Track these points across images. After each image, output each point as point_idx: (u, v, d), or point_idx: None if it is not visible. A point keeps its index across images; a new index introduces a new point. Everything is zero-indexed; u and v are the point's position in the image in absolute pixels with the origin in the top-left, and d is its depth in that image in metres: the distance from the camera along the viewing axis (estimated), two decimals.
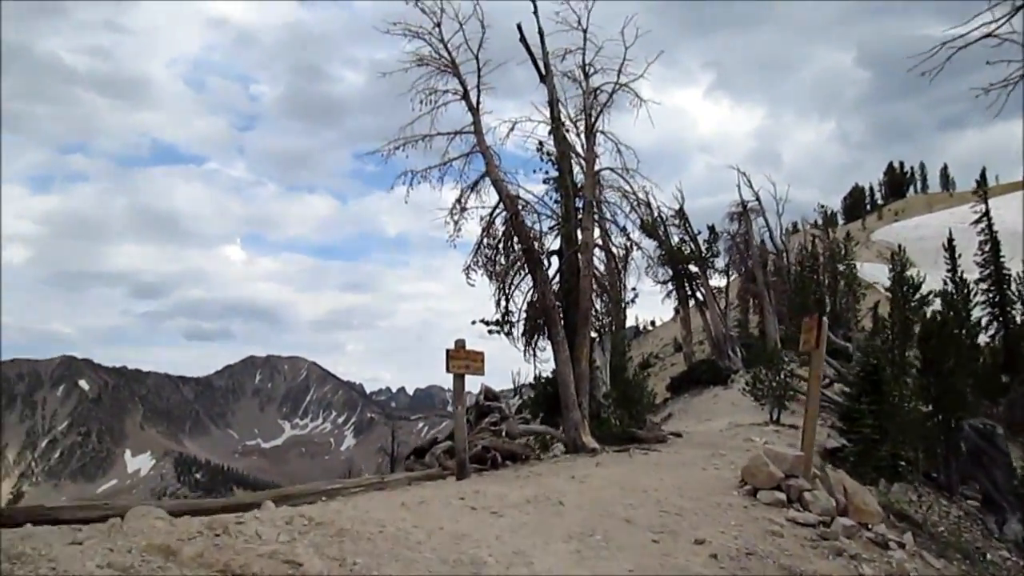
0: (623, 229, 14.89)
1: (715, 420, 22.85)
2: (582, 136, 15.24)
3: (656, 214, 24.19)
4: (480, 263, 13.82)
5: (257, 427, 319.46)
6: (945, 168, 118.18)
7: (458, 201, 13.71)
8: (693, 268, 34.34)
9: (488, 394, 13.16)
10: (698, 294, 34.68)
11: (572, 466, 10.17)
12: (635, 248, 15.26)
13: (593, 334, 14.78)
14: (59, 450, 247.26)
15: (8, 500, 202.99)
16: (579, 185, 14.81)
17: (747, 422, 20.06)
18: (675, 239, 34.05)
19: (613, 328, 17.17)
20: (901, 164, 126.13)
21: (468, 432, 11.45)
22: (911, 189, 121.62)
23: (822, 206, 59.90)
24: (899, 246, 32.44)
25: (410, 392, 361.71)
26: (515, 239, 13.72)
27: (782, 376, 20.40)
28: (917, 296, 22.55)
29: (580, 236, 14.18)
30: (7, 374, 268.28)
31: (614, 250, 15.05)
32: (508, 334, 14.09)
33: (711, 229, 35.59)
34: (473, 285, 13.70)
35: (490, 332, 14.02)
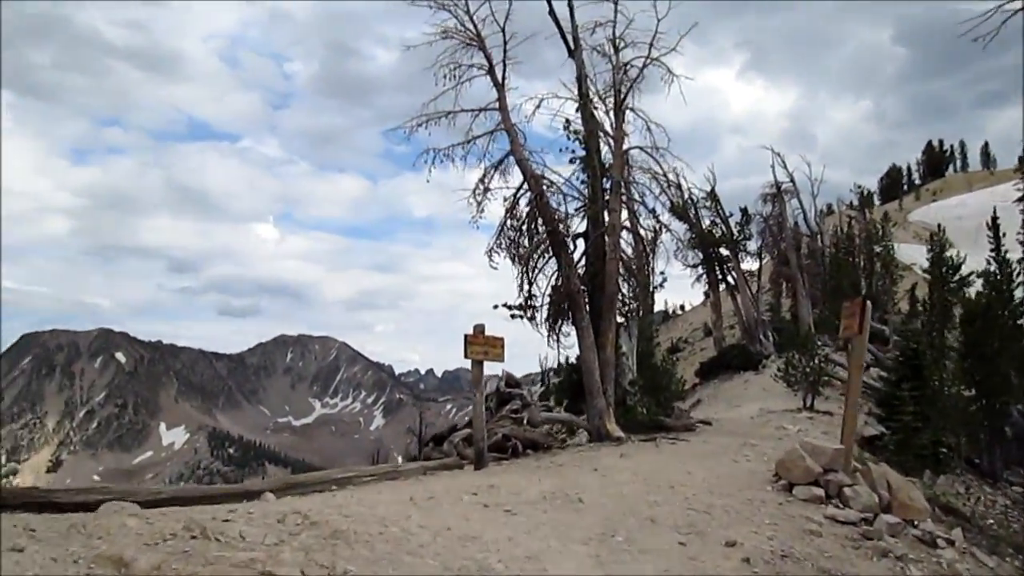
0: (652, 211, 14.40)
1: (746, 406, 22.35)
2: (611, 114, 14.76)
3: (687, 196, 23.56)
4: (503, 245, 13.44)
5: (288, 404, 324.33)
6: (986, 146, 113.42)
7: (481, 181, 13.34)
8: (724, 251, 33.66)
9: (510, 381, 12.84)
10: (729, 278, 34.03)
11: (595, 456, 9.81)
12: (664, 230, 14.74)
13: (620, 319, 14.37)
14: (96, 421, 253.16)
15: (47, 467, 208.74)
16: (607, 165, 14.35)
17: (779, 408, 19.55)
18: (706, 221, 33.36)
19: (640, 313, 16.74)
20: (940, 142, 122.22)
21: (488, 420, 11.17)
22: (950, 168, 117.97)
23: (859, 186, 58.45)
24: (938, 226, 31.49)
25: (438, 374, 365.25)
26: (539, 221, 13.30)
27: (816, 361, 19.81)
28: (957, 277, 21.78)
29: (607, 218, 13.74)
30: (47, 344, 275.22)
31: (642, 232, 14.57)
32: (531, 319, 13.71)
33: (743, 211, 34.82)
34: (496, 268, 13.38)
35: (513, 317, 13.65)
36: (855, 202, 65.80)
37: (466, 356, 9.25)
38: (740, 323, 34.71)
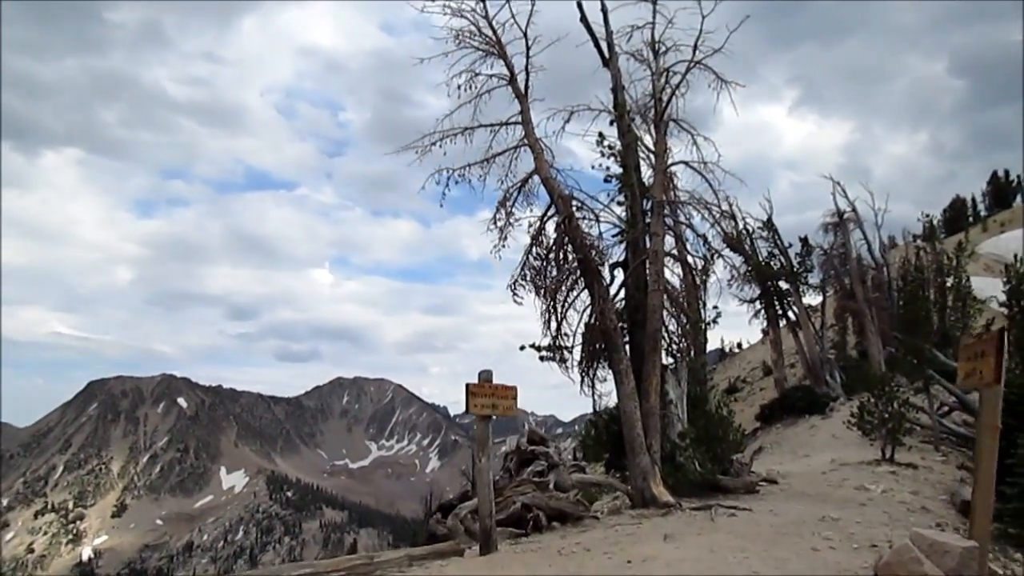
0: (702, 237, 12.42)
1: (814, 456, 19.99)
2: (651, 128, 13.02)
3: (741, 224, 21.50)
4: (528, 277, 11.63)
5: (345, 447, 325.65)
6: None
7: (502, 204, 11.65)
8: (784, 285, 31.31)
9: (533, 436, 10.80)
10: (790, 313, 31.59)
11: (633, 536, 7.83)
12: (716, 256, 12.74)
13: (666, 360, 12.41)
14: (159, 465, 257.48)
15: (112, 512, 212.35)
16: (647, 184, 12.56)
17: (853, 460, 17.18)
18: (763, 253, 31.11)
19: (691, 353, 14.73)
20: (1006, 172, 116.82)
21: (506, 485, 9.32)
22: (1017, 198, 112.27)
23: (926, 215, 55.18)
24: (1015, 256, 28.82)
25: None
26: (569, 247, 11.50)
27: (895, 405, 17.40)
28: None
29: (648, 244, 11.90)
30: (113, 391, 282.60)
31: (691, 260, 12.66)
32: (561, 361, 11.83)
33: (803, 241, 32.40)
34: (520, 303, 11.58)
35: (542, 359, 11.79)
36: (921, 233, 62.43)
37: (468, 410, 7.52)
38: (803, 362, 32.11)
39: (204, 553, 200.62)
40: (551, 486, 9.52)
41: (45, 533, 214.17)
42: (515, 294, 11.57)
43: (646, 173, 13.14)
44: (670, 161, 12.46)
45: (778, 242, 31.31)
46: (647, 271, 11.76)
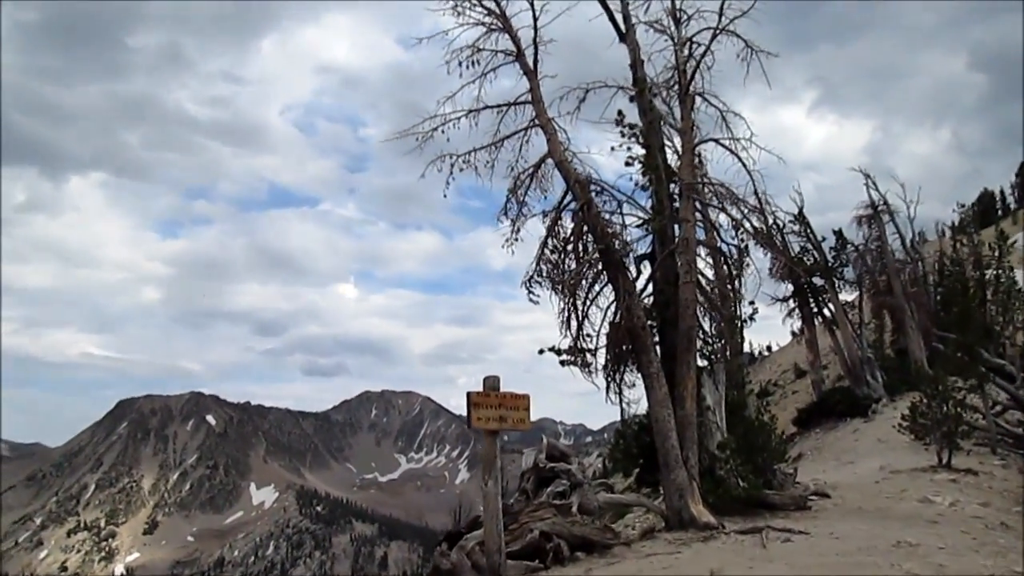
0: (737, 223, 11.03)
1: (860, 463, 18.52)
2: (672, 107, 11.79)
3: (771, 220, 19.97)
4: (544, 272, 10.39)
5: (374, 461, 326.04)
6: None
7: (512, 192, 10.46)
8: (817, 281, 29.74)
9: (552, 452, 9.38)
10: (825, 311, 30.01)
11: (673, 569, 6.58)
12: (751, 241, 11.35)
13: (701, 362, 11.10)
14: (189, 482, 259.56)
15: (144, 529, 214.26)
16: (673, 168, 11.31)
17: (905, 466, 15.74)
18: (794, 248, 29.55)
19: (728, 353, 13.42)
20: None
21: (522, 508, 8.08)
22: None
23: (961, 205, 53.19)
24: None
25: None
26: (589, 237, 10.25)
27: (950, 406, 15.92)
28: None
29: (678, 232, 10.65)
30: (142, 409, 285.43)
31: (724, 248, 11.34)
32: (584, 365, 10.54)
33: (838, 235, 30.81)
34: (536, 301, 10.33)
35: (563, 364, 10.51)
36: (954, 224, 60.46)
37: (470, 425, 6.33)
38: (841, 362, 30.44)
39: (235, 569, 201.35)
40: (574, 509, 8.20)
41: (78, 551, 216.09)
42: (530, 292, 10.34)
43: (671, 159, 11.91)
44: (698, 139, 11.20)
45: (811, 236, 29.76)
46: (677, 262, 10.49)
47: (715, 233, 11.28)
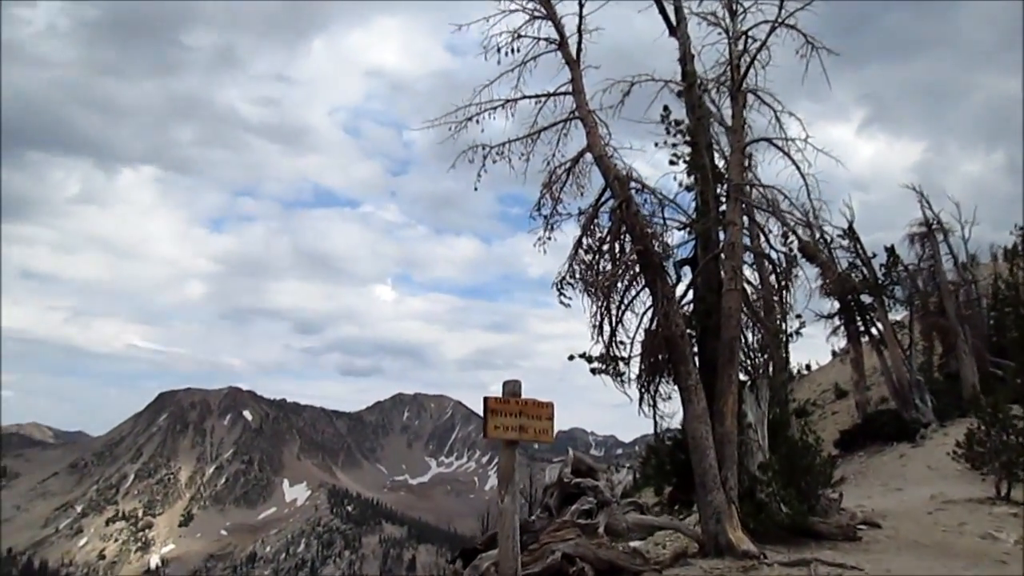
0: (788, 227, 10.24)
1: (909, 489, 17.53)
2: (720, 105, 11.10)
3: (818, 233, 18.99)
4: (577, 274, 9.72)
5: (405, 463, 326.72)
6: None
7: (547, 186, 9.84)
8: (865, 299, 28.56)
9: (579, 466, 8.65)
10: (873, 330, 28.81)
11: None
12: (798, 253, 10.52)
13: (742, 377, 10.34)
14: (224, 476, 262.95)
15: (180, 521, 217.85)
16: (721, 167, 10.61)
17: (959, 496, 14.74)
18: (842, 263, 28.38)
19: (771, 369, 12.61)
20: None
21: (544, 528, 7.44)
22: None
23: (1019, 227, 51.13)
24: None
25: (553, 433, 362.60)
26: (626, 237, 9.57)
27: (1011, 435, 14.86)
28: None
29: (723, 236, 9.92)
30: (182, 402, 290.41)
31: (774, 255, 10.55)
32: (617, 374, 9.85)
33: (890, 251, 29.57)
34: (568, 304, 9.66)
35: (594, 372, 9.84)
36: (1007, 249, 58.35)
37: (486, 435, 5.72)
38: (888, 384, 29.15)
39: (267, 565, 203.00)
40: (600, 530, 7.52)
41: (116, 540, 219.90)
42: (562, 293, 9.66)
43: (718, 161, 11.20)
44: (749, 139, 10.46)
45: (861, 251, 28.57)
46: (721, 268, 9.77)
47: (764, 239, 10.51)
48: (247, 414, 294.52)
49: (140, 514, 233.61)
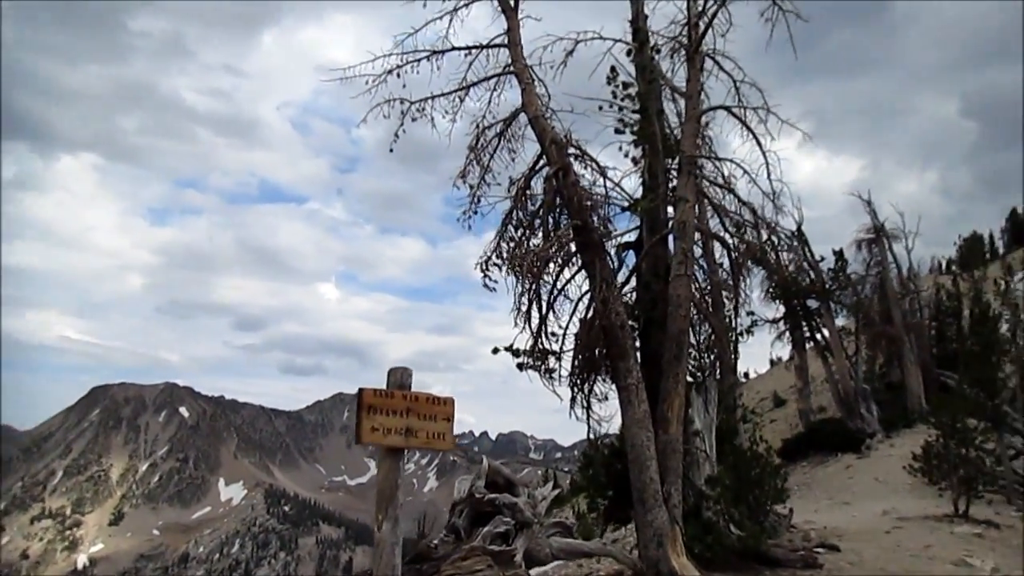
0: (746, 206, 9.02)
1: (859, 504, 16.68)
2: (679, 71, 9.82)
3: (766, 235, 17.93)
4: (504, 253, 8.31)
5: (344, 463, 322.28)
6: None
7: (474, 150, 8.45)
8: (812, 303, 27.94)
9: (495, 479, 7.09)
10: (818, 336, 28.21)
11: None
12: (767, 230, 9.31)
13: (690, 377, 9.07)
14: (158, 474, 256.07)
15: (110, 519, 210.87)
16: (673, 137, 9.36)
17: (914, 512, 13.89)
18: (790, 267, 27.62)
19: (719, 370, 11.38)
20: None
21: (451, 552, 6.02)
22: None
23: (963, 237, 52.16)
24: None
25: (493, 436, 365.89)
26: (562, 211, 8.21)
27: (969, 449, 14.06)
28: None
29: (673, 213, 8.65)
30: (116, 397, 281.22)
31: (730, 240, 9.31)
32: (547, 371, 8.46)
33: (838, 255, 29.05)
34: (494, 288, 8.26)
35: (521, 368, 8.45)
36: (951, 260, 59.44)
37: (359, 440, 4.31)
38: (833, 392, 28.53)
39: (199, 565, 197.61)
40: (518, 557, 6.07)
41: (41, 539, 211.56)
42: (486, 275, 8.27)
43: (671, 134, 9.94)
44: (705, 106, 9.19)
45: (808, 254, 27.88)
46: (670, 250, 8.50)
47: (722, 217, 9.23)
48: (183, 411, 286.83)
49: (68, 512, 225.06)
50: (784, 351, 40.92)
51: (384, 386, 4.71)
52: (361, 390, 4.44)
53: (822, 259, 28.31)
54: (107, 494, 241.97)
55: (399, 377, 4.68)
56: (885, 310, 30.04)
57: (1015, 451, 19.22)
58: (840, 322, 29.68)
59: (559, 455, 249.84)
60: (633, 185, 9.31)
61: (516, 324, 8.05)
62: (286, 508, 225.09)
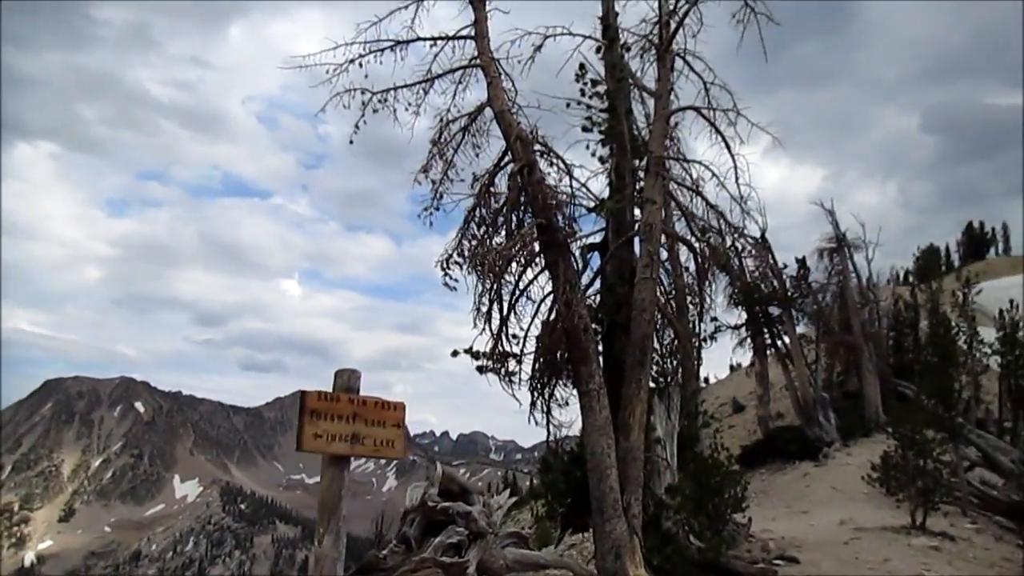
0: (713, 209, 8.88)
1: (816, 513, 16.70)
2: (648, 71, 9.64)
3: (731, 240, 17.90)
4: (465, 251, 8.03)
5: (303, 461, 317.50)
6: None
7: (437, 144, 8.17)
8: (774, 310, 28.06)
9: (449, 487, 6.77)
10: (779, 343, 28.34)
11: None
12: (733, 235, 9.18)
13: (652, 383, 8.86)
14: (111, 470, 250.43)
15: (60, 516, 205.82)
16: (641, 138, 9.16)
17: (871, 523, 13.95)
18: (754, 273, 27.72)
19: (679, 376, 11.18)
20: (981, 224, 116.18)
21: (401, 564, 5.73)
22: (992, 251, 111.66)
23: (922, 249, 53.10)
24: (1011, 302, 26.36)
25: (454, 437, 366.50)
26: (526, 209, 7.96)
27: (927, 460, 14.11)
28: None
29: (640, 215, 8.45)
30: (69, 391, 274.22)
31: (696, 244, 9.14)
32: (507, 374, 8.17)
33: (801, 263, 29.26)
34: (454, 287, 7.98)
35: (480, 371, 8.17)
36: (908, 270, 60.47)
37: (300, 447, 4.01)
38: (793, 399, 28.68)
39: (152, 564, 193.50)
40: (471, 569, 5.79)
41: None
42: (447, 274, 7.98)
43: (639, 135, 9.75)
44: (674, 107, 9.02)
45: (772, 261, 27.98)
46: (636, 253, 8.30)
47: (690, 220, 9.07)
48: (139, 406, 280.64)
49: (16, 508, 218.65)
50: (745, 357, 41.35)
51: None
52: (304, 393, 4.14)
53: (785, 267, 28.47)
54: (58, 490, 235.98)
55: (346, 380, 4.39)
56: (845, 319, 30.35)
57: (970, 463, 19.50)
58: (800, 330, 29.94)
59: (519, 456, 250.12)
60: (600, 186, 9.15)
61: (476, 325, 7.78)
62: (242, 506, 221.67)
